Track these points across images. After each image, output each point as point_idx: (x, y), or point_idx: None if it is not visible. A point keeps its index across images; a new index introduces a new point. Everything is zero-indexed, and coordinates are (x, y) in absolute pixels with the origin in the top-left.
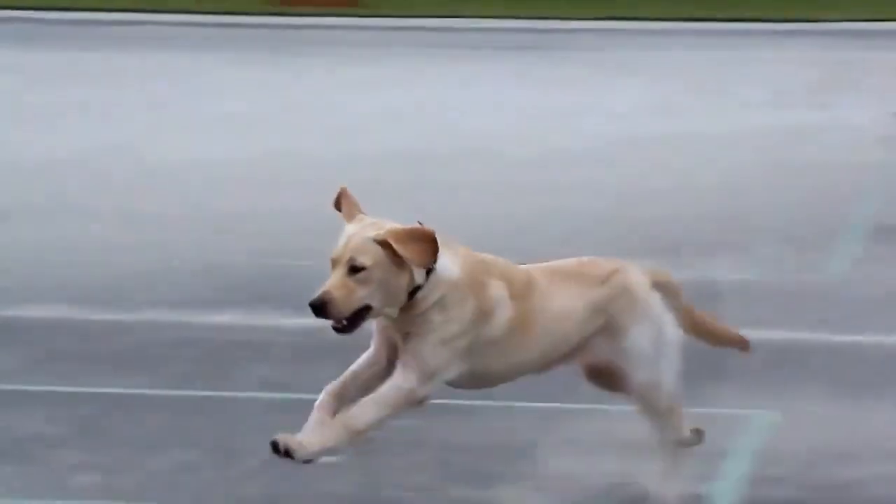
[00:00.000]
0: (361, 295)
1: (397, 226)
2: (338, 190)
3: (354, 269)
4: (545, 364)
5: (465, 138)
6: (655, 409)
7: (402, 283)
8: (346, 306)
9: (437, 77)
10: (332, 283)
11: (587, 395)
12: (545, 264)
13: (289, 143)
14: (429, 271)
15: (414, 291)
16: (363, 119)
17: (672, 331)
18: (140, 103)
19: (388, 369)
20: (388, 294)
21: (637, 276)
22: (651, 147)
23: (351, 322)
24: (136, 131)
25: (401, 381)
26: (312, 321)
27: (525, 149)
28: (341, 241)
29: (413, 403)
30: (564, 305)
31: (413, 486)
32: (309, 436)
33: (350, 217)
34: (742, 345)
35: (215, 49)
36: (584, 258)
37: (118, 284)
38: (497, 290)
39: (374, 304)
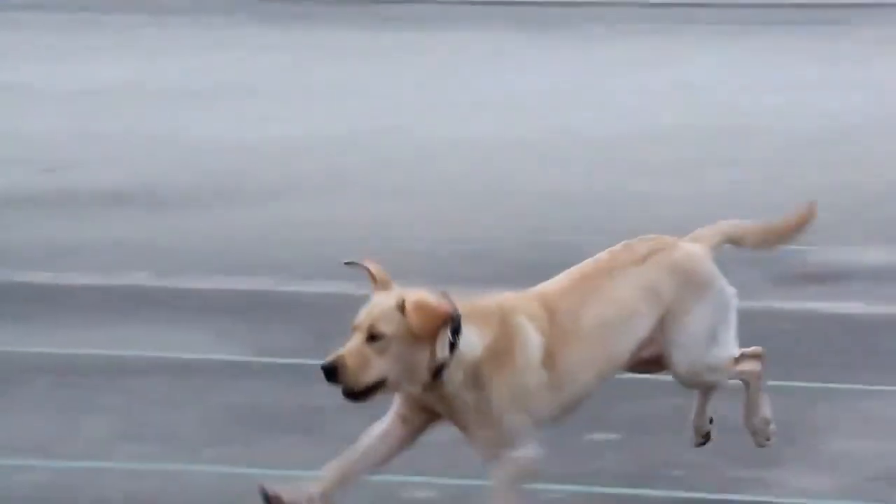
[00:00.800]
0: (377, 366)
1: (424, 296)
2: (366, 264)
3: (373, 337)
4: (616, 371)
5: (743, 115)
6: (715, 384)
7: (422, 359)
8: (359, 376)
9: (711, 54)
10: (348, 348)
11: (866, 376)
12: (572, 273)
13: (561, 121)
14: (452, 347)
15: (440, 369)
16: (634, 97)
17: (731, 300)
18: (414, 81)
19: (400, 444)
20: (407, 369)
21: (684, 249)
22: None
23: (364, 392)
24: (411, 109)
25: (502, 472)
26: None
27: (804, 124)
28: (365, 307)
29: (529, 473)
30: (597, 316)
31: (688, 464)
32: None
33: (383, 287)
34: (810, 214)
35: (486, 27)
36: (617, 246)
37: (393, 261)
38: (525, 354)
39: (391, 377)
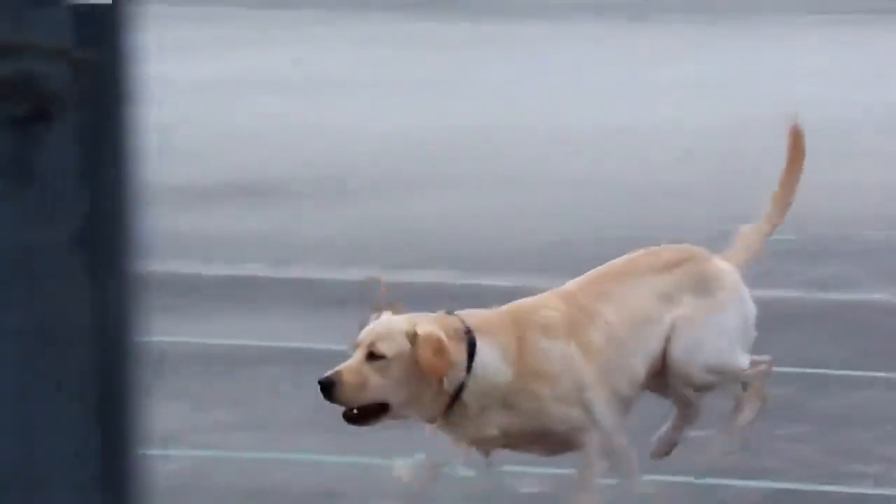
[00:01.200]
0: (375, 385)
1: (435, 329)
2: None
3: (373, 356)
4: (635, 385)
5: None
6: (706, 387)
7: (429, 390)
8: (356, 394)
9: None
10: (347, 365)
11: None
12: (588, 276)
13: (679, 111)
14: (469, 365)
15: (458, 393)
16: (760, 87)
17: (751, 315)
18: (554, 72)
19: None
20: (413, 397)
21: (714, 263)
22: None
23: (363, 414)
24: (552, 99)
25: (588, 462)
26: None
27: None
28: (370, 324)
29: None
30: (607, 323)
31: (882, 459)
32: None
33: (392, 309)
34: (796, 136)
35: (605, 17)
36: (639, 251)
37: (543, 251)
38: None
39: (393, 401)
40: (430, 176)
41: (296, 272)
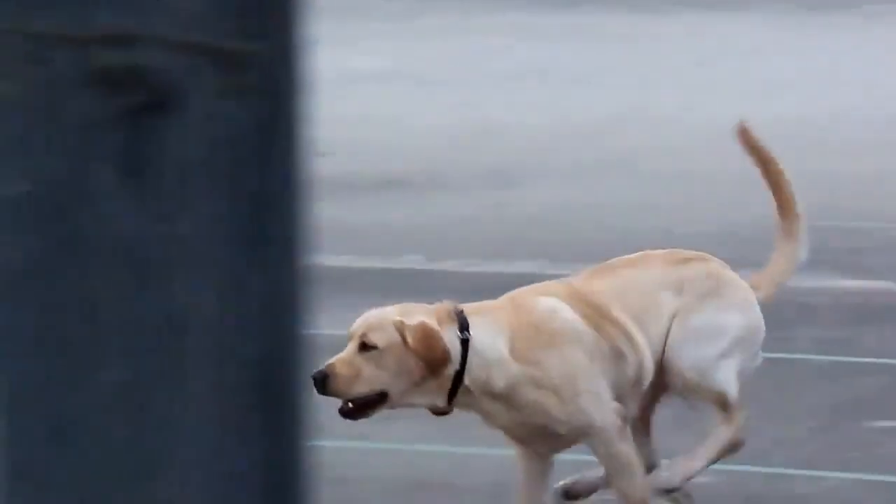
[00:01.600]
0: (371, 377)
1: (427, 321)
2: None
3: (364, 347)
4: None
5: None
6: (691, 391)
7: (430, 378)
8: (350, 386)
9: None
10: (340, 357)
11: None
12: (595, 269)
13: (832, 103)
14: (465, 346)
15: (458, 378)
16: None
17: (758, 335)
18: (684, 63)
19: (548, 464)
20: (411, 385)
21: (732, 274)
22: None
23: (359, 408)
24: (682, 92)
25: (602, 449)
26: (868, 283)
27: None
28: (363, 314)
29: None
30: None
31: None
32: None
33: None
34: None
35: (757, 11)
36: (661, 250)
37: (654, 244)
38: (567, 325)
39: (391, 391)
40: (574, 167)
41: (449, 265)
